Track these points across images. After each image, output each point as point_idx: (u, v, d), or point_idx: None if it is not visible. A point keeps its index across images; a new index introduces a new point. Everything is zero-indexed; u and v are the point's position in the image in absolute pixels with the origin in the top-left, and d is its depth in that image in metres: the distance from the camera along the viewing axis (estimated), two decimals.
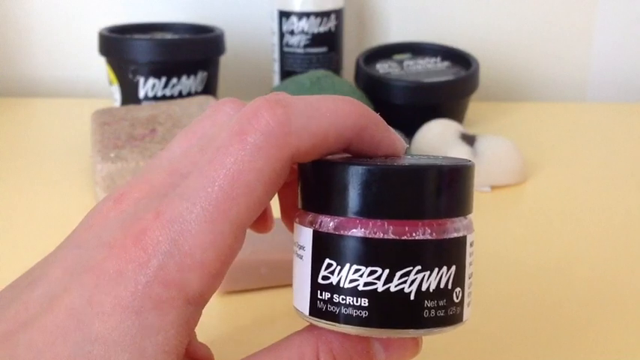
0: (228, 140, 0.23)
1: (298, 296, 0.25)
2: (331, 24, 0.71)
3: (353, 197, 0.23)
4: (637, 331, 0.37)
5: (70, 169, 0.59)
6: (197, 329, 0.29)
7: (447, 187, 0.24)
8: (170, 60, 0.67)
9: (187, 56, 0.68)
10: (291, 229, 0.26)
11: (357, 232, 0.23)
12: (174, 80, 0.67)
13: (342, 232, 0.23)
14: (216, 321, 0.38)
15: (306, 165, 0.24)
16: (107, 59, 0.69)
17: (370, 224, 0.23)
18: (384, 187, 0.23)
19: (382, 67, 0.69)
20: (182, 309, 0.22)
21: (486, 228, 0.49)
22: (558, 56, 0.83)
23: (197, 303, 0.23)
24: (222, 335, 0.36)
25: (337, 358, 0.24)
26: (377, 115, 0.25)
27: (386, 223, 0.23)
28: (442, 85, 0.66)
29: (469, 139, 0.56)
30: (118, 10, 0.81)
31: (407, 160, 0.25)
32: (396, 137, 0.26)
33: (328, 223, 0.24)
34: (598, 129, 0.72)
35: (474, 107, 0.72)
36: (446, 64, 0.71)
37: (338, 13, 0.71)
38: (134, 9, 0.81)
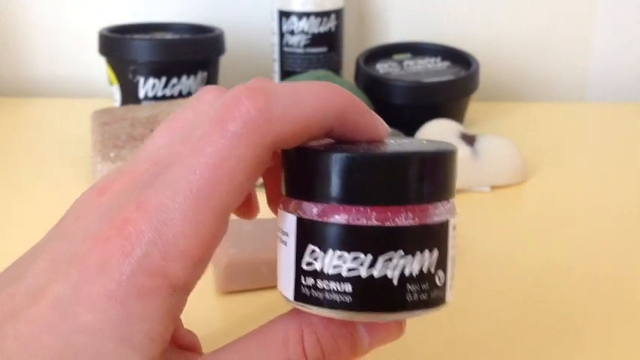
0: (209, 129, 0.23)
1: (283, 281, 0.25)
2: (331, 24, 0.71)
3: (335, 184, 0.23)
4: (637, 330, 0.37)
5: (70, 169, 0.59)
6: (197, 329, 0.29)
7: (430, 173, 0.24)
8: (170, 60, 0.67)
9: (187, 56, 0.68)
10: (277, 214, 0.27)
11: (340, 218, 0.23)
12: (174, 80, 0.67)
13: (325, 219, 0.23)
14: (216, 321, 0.38)
15: (290, 152, 0.25)
16: (107, 59, 0.69)
17: (353, 210, 0.23)
18: (366, 174, 0.23)
19: (382, 67, 0.69)
20: (167, 297, 0.22)
21: (486, 228, 0.49)
22: (558, 56, 0.83)
23: (182, 290, 0.23)
24: (222, 335, 0.36)
25: (321, 341, 0.25)
26: (358, 100, 0.25)
27: (368, 209, 0.23)
28: (442, 85, 0.66)
29: (469, 139, 0.56)
30: (118, 10, 0.81)
31: (389, 146, 0.25)
32: (378, 122, 0.26)
33: (311, 210, 0.24)
34: (598, 129, 0.72)
35: (474, 107, 0.72)
36: (446, 64, 0.71)
37: (338, 13, 0.71)
38: (134, 9, 0.81)
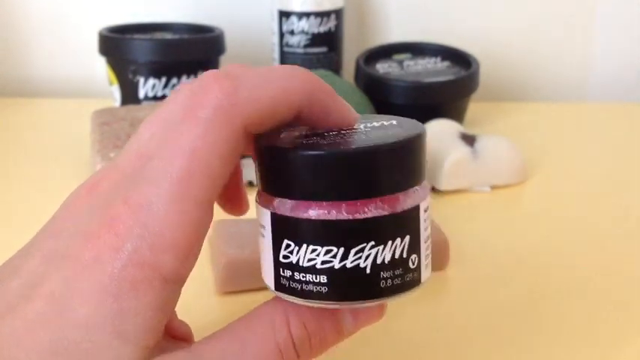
0: (181, 118, 0.23)
1: (265, 271, 0.26)
2: (331, 24, 0.71)
3: (305, 181, 0.24)
4: (638, 330, 0.37)
5: (70, 169, 0.59)
6: (197, 329, 0.29)
7: (397, 163, 0.24)
8: (170, 60, 0.67)
9: (187, 56, 0.68)
10: None
11: (312, 213, 0.24)
12: (174, 80, 0.67)
13: (297, 215, 0.24)
14: (216, 321, 0.38)
15: (260, 149, 0.25)
16: (107, 59, 0.69)
17: (324, 205, 0.24)
18: (334, 170, 0.23)
19: (382, 67, 0.69)
20: (159, 289, 0.23)
21: (486, 228, 0.49)
22: (558, 56, 0.83)
23: (174, 282, 0.23)
24: None
25: (306, 324, 0.25)
26: (326, 84, 0.26)
27: (339, 203, 0.24)
28: (442, 85, 0.66)
29: (469, 139, 0.56)
30: (118, 10, 0.81)
31: (357, 136, 0.25)
32: (346, 107, 0.27)
33: (285, 205, 0.24)
34: (598, 129, 0.72)
35: (474, 107, 0.72)
36: (446, 64, 0.71)
37: (338, 13, 0.71)
38: (134, 9, 0.81)
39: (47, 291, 0.23)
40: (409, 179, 0.25)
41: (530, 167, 0.58)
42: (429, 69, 0.69)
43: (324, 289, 0.24)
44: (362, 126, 0.26)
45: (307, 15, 0.70)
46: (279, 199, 0.25)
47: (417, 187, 0.25)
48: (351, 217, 0.23)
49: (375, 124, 0.26)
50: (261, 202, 0.25)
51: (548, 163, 0.60)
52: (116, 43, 0.67)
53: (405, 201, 0.24)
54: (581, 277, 0.43)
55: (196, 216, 0.23)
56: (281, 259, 0.25)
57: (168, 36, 0.72)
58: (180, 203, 0.23)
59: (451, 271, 0.43)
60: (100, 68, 0.72)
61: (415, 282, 0.25)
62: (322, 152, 0.24)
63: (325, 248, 0.24)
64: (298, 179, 0.24)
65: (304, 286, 0.24)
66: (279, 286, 0.25)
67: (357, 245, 0.24)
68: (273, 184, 0.25)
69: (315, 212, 0.24)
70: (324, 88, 0.26)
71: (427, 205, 0.25)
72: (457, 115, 0.67)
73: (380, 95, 0.65)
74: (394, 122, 0.27)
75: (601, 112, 0.77)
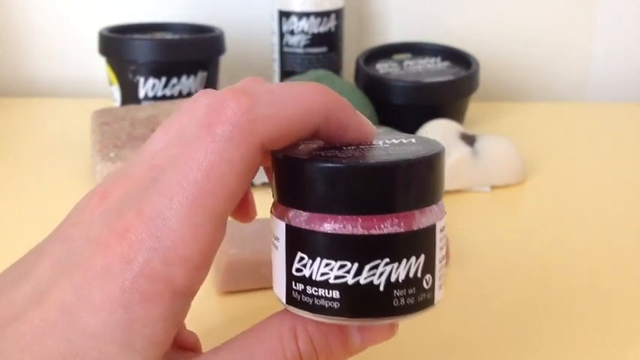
0: (197, 133, 0.23)
1: (276, 284, 0.26)
2: (331, 24, 0.71)
3: (322, 194, 0.23)
4: (637, 330, 0.37)
5: (70, 169, 0.59)
6: (197, 329, 0.29)
7: (415, 180, 0.24)
8: (170, 60, 0.67)
9: (187, 56, 0.68)
10: None
11: (327, 226, 0.23)
12: (174, 80, 0.67)
13: (312, 227, 0.24)
14: (216, 321, 0.38)
15: (277, 159, 0.25)
16: (107, 59, 0.69)
17: (340, 219, 0.23)
18: (352, 184, 0.23)
19: (382, 67, 0.69)
20: (169, 302, 0.23)
21: (486, 228, 0.49)
22: (558, 56, 0.83)
23: (184, 295, 0.23)
24: (222, 335, 0.36)
25: (313, 339, 0.25)
26: (344, 100, 0.26)
27: (355, 217, 0.23)
28: (442, 85, 0.66)
29: (469, 139, 0.56)
30: (118, 10, 0.81)
31: (375, 151, 0.25)
32: (364, 122, 0.26)
33: (300, 218, 0.24)
34: (597, 129, 0.72)
35: (474, 107, 0.72)
36: (446, 64, 0.71)
37: (338, 13, 0.71)
38: (134, 9, 0.81)
39: (56, 298, 0.23)
40: (426, 197, 0.24)
41: (530, 167, 0.58)
42: (429, 69, 0.69)
43: (336, 305, 0.24)
44: (380, 142, 0.26)
45: (307, 15, 0.70)
46: (295, 210, 0.24)
47: (433, 206, 0.25)
48: (366, 233, 0.23)
49: (394, 140, 0.26)
50: (276, 213, 0.25)
51: (547, 163, 0.60)
52: (116, 43, 0.67)
53: (421, 219, 0.24)
54: (581, 277, 0.43)
55: (210, 231, 0.23)
56: (294, 271, 0.24)
57: (168, 36, 0.72)
58: (194, 218, 0.23)
59: (451, 271, 0.43)
60: (100, 68, 0.72)
61: (428, 302, 0.25)
62: (341, 165, 0.23)
63: (339, 263, 0.23)
64: (315, 191, 0.24)
65: (316, 301, 0.24)
66: (290, 300, 0.25)
67: (372, 261, 0.23)
68: (289, 196, 0.24)
69: (330, 226, 0.23)
70: (342, 105, 0.25)
71: (443, 225, 0.25)
72: (457, 115, 0.67)
73: (380, 95, 0.65)
74: (413, 140, 0.26)
75: (601, 112, 0.77)
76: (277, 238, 0.25)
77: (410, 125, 0.61)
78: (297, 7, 0.70)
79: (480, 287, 0.42)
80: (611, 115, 0.76)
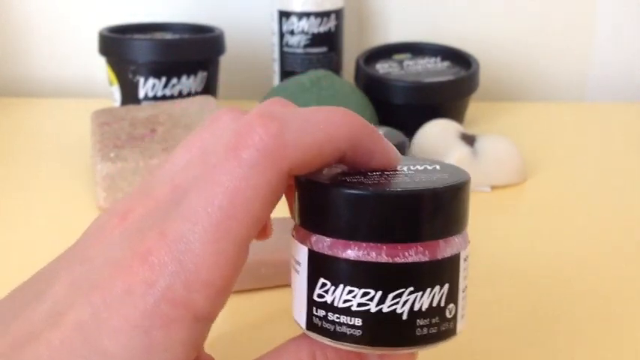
0: (223, 157, 0.23)
1: (296, 308, 0.25)
2: (331, 24, 0.71)
3: (346, 220, 0.23)
4: (638, 330, 0.37)
5: (70, 169, 0.59)
6: None
7: (441, 209, 0.24)
8: (170, 60, 0.67)
9: (187, 56, 0.68)
10: None
11: (351, 253, 0.23)
12: (174, 80, 0.67)
13: (335, 254, 0.23)
14: (216, 321, 0.38)
15: (302, 183, 0.25)
16: (107, 59, 0.69)
17: (364, 246, 0.23)
18: (377, 211, 0.23)
19: (382, 67, 0.69)
20: (190, 327, 0.22)
21: (486, 228, 0.49)
22: (558, 56, 0.83)
23: (205, 319, 0.23)
24: (222, 335, 0.36)
25: None
26: (371, 126, 0.25)
27: (379, 245, 0.23)
28: (442, 85, 0.66)
29: (469, 139, 0.56)
30: (118, 10, 0.81)
31: (400, 178, 0.25)
32: (390, 148, 0.26)
33: (323, 243, 0.24)
34: (598, 129, 0.72)
35: (474, 107, 0.72)
36: (446, 64, 0.71)
37: (338, 13, 0.71)
38: (134, 9, 0.81)
39: (74, 319, 0.22)
40: (451, 226, 0.24)
41: (530, 167, 0.58)
42: (429, 69, 0.69)
43: (357, 333, 0.23)
44: (405, 168, 0.26)
45: (307, 15, 0.70)
46: (318, 235, 0.24)
47: (458, 235, 0.25)
48: (390, 261, 0.23)
49: (419, 167, 0.26)
50: (298, 237, 0.25)
51: (547, 163, 0.60)
52: (116, 43, 0.67)
53: (445, 248, 0.24)
54: (581, 277, 0.43)
55: (233, 256, 0.23)
56: (315, 297, 0.24)
57: (168, 36, 0.72)
58: (218, 243, 0.22)
59: None
60: (100, 68, 0.72)
61: (450, 332, 0.25)
62: (367, 192, 0.23)
63: (362, 290, 0.23)
64: (339, 217, 0.23)
65: (337, 328, 0.24)
66: (310, 326, 0.25)
67: (396, 290, 0.23)
68: (312, 220, 0.24)
69: (354, 253, 0.23)
70: (369, 131, 0.25)
71: (467, 255, 0.25)
72: (457, 115, 0.67)
73: (380, 95, 0.65)
74: (437, 167, 0.26)
75: (601, 112, 0.77)
76: (299, 263, 0.25)
77: (410, 125, 0.61)
78: (297, 7, 0.70)
79: (479, 287, 0.42)
80: (610, 115, 0.76)
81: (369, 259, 0.23)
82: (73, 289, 0.23)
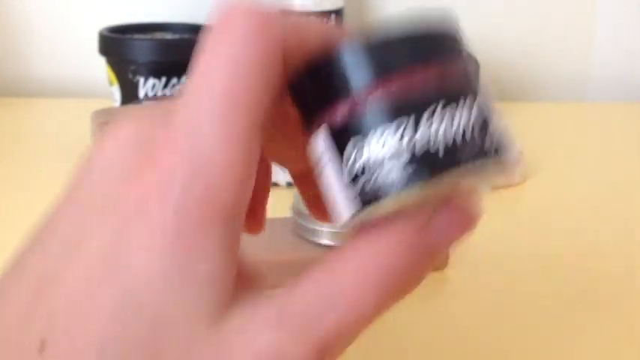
0: (216, 37, 0.22)
1: (337, 207, 0.23)
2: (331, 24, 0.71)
3: (356, 73, 0.22)
4: (638, 330, 0.37)
5: (70, 169, 0.59)
6: None
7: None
8: (170, 60, 0.67)
9: (187, 56, 0.66)
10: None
11: (371, 99, 0.22)
12: (174, 80, 0.67)
13: (354, 108, 0.22)
14: None
15: (298, 76, 0.23)
16: (107, 59, 0.69)
17: (380, 83, 0.22)
18: (383, 51, 0.22)
19: None
20: (221, 226, 0.20)
21: (486, 228, 0.49)
22: (558, 56, 0.83)
23: (233, 217, 0.20)
24: None
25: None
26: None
27: (391, 76, 0.22)
28: None
29: None
30: (118, 10, 0.81)
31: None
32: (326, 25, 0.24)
33: (337, 112, 0.22)
34: (598, 129, 0.72)
35: None
36: None
37: (338, 13, 0.71)
38: (134, 9, 0.81)
39: (95, 245, 0.20)
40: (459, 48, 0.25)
41: (530, 167, 0.58)
42: None
43: (405, 173, 0.21)
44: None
45: (307, 15, 0.70)
46: (331, 110, 0.22)
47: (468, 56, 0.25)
48: (408, 83, 0.21)
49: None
50: (313, 134, 0.23)
51: (548, 163, 0.60)
52: (116, 43, 0.67)
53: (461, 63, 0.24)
54: (581, 277, 0.43)
55: (246, 138, 0.20)
56: (349, 168, 0.22)
57: (168, 36, 0.72)
58: (229, 126, 0.20)
59: (450, 271, 0.43)
60: (100, 68, 0.72)
61: (495, 150, 0.22)
62: (367, 37, 0.22)
63: (395, 123, 0.21)
64: (346, 76, 0.22)
65: (381, 180, 0.21)
66: (358, 204, 0.22)
67: (427, 108, 0.21)
68: (323, 100, 0.22)
69: (373, 97, 0.21)
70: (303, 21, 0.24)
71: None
72: None
73: None
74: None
75: (601, 112, 0.77)
76: (321, 159, 0.23)
77: None
78: (297, 7, 0.70)
79: (479, 287, 0.42)
80: (611, 115, 0.76)
81: (385, 90, 0.21)
82: (86, 215, 0.21)
